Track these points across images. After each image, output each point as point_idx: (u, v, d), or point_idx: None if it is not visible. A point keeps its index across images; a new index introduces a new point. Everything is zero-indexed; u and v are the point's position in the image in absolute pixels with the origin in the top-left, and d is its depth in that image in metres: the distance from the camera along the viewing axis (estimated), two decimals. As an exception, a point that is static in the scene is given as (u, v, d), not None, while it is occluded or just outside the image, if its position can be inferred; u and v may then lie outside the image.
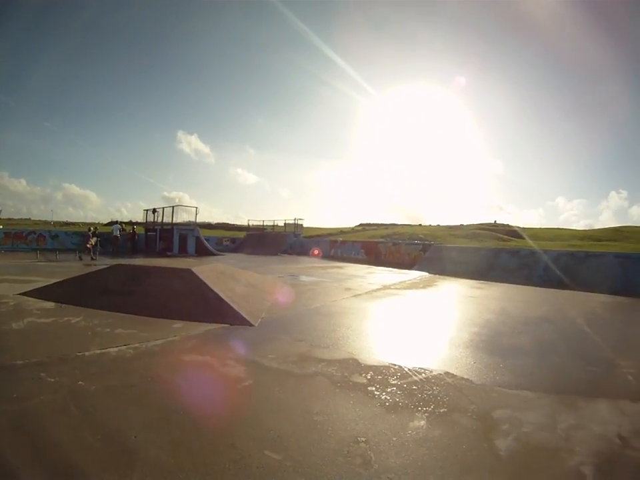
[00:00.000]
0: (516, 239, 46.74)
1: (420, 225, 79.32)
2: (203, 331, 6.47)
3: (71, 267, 15.60)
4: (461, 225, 67.20)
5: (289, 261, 25.03)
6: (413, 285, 13.89)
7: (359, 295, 10.91)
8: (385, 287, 12.85)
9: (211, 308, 7.40)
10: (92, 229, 27.37)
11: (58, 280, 9.85)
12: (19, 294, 8.89)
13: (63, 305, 7.88)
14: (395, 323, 7.94)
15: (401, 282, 14.61)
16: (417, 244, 27.41)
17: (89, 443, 2.98)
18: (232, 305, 7.50)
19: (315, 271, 17.46)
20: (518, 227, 65.35)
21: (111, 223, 28.57)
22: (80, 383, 4.09)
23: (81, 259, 20.48)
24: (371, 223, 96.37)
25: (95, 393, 3.87)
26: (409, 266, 21.20)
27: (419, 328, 7.44)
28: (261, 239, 37.02)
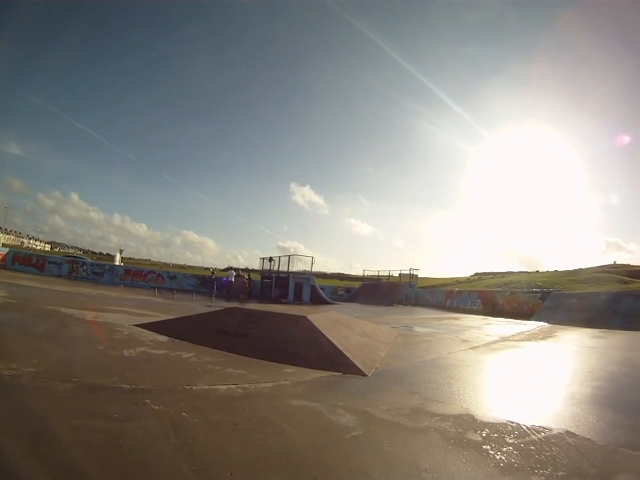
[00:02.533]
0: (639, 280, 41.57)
1: (537, 271, 74.23)
2: (314, 377, 6.15)
3: (186, 306, 16.37)
4: (579, 268, 61.30)
5: (403, 311, 24.26)
6: (532, 337, 12.88)
7: (476, 347, 10.15)
8: (503, 339, 11.96)
9: (324, 355, 7.11)
10: (213, 272, 28.85)
11: (173, 316, 10.25)
12: (135, 324, 9.28)
13: (176, 340, 8.02)
14: (513, 377, 7.26)
15: (519, 333, 13.65)
16: (535, 292, 25.62)
17: (183, 472, 2.81)
18: (346, 353, 7.14)
19: (430, 322, 16.63)
20: (641, 267, 58.38)
21: (228, 269, 29.90)
22: (184, 414, 3.96)
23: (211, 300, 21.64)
24: (487, 271, 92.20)
25: (197, 425, 3.70)
26: (528, 316, 20.08)
27: (538, 382, 6.82)
28: (376, 289, 36.58)
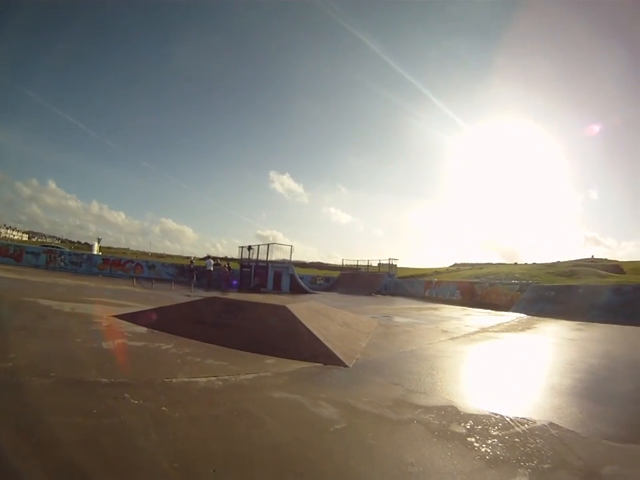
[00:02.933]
0: (616, 275, 42.38)
1: (515, 263, 75.32)
2: (295, 368, 6.13)
3: (165, 296, 16.25)
4: (557, 262, 62.42)
5: (383, 301, 24.51)
6: (511, 328, 13.08)
7: (456, 337, 10.27)
8: (483, 330, 12.13)
9: (304, 346, 7.10)
10: (192, 261, 28.63)
11: (152, 307, 10.16)
12: (113, 315, 9.20)
13: (155, 331, 7.94)
14: (494, 368, 7.31)
15: (498, 324, 13.86)
16: (514, 284, 26.12)
17: (164, 470, 2.76)
18: (326, 344, 7.15)
19: (410, 312, 16.76)
20: (618, 261, 60.55)
21: (206, 258, 29.76)
22: (164, 408, 3.89)
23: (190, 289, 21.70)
24: (466, 262, 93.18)
25: (178, 420, 3.64)
26: (507, 307, 20.49)
27: (519, 374, 6.87)
28: (355, 279, 36.90)
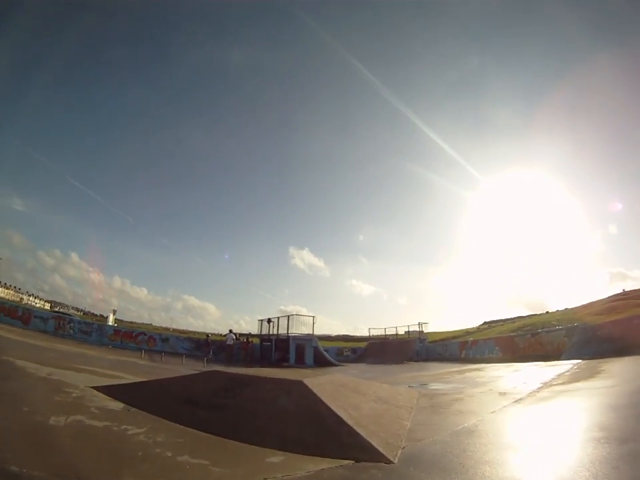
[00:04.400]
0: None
1: (547, 312, 71.64)
2: (312, 472, 4.18)
3: (171, 371, 14.55)
4: (591, 302, 58.72)
5: (417, 368, 21.98)
6: (577, 377, 10.54)
7: (521, 399, 8.01)
8: (546, 385, 9.67)
9: (326, 434, 5.22)
10: (209, 335, 27.19)
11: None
12: (92, 386, 7.82)
13: (132, 409, 6.46)
14: (600, 438, 4.64)
15: (559, 375, 11.33)
16: (558, 329, 23.23)
17: None
18: (357, 429, 5.20)
19: (451, 377, 14.31)
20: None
21: (228, 333, 28.10)
22: None
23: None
24: (495, 319, 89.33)
25: None
26: (555, 356, 17.84)
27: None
28: (384, 347, 34.37)
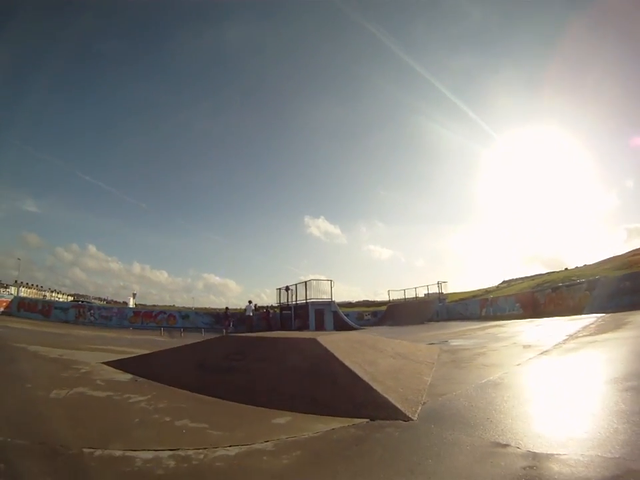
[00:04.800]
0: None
1: (566, 269, 70.12)
2: (320, 432, 3.85)
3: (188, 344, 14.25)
4: (611, 257, 57.32)
5: (437, 327, 21.47)
6: (603, 329, 10.06)
7: (547, 351, 7.61)
8: (572, 337, 9.22)
9: (339, 392, 4.89)
10: (228, 307, 26.99)
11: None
12: (103, 362, 7.66)
13: (140, 379, 6.31)
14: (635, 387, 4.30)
15: (584, 327, 10.86)
16: (579, 283, 22.36)
17: None
18: (373, 385, 4.84)
19: (473, 333, 13.86)
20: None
21: (248, 304, 27.86)
22: None
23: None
24: (514, 278, 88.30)
25: None
26: (577, 310, 17.14)
27: None
28: (404, 309, 33.81)
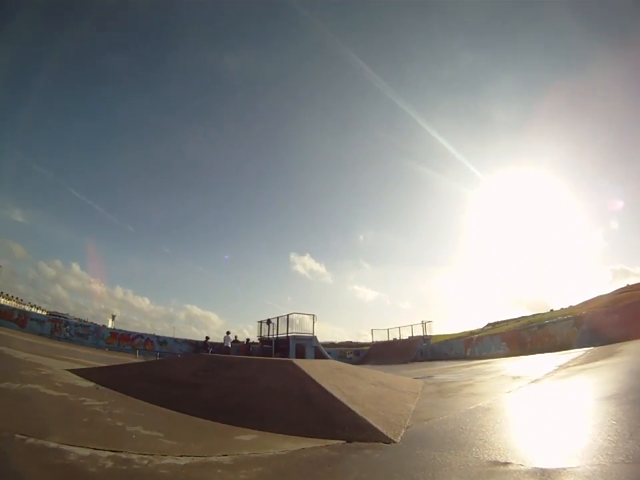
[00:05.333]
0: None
1: (551, 310, 70.20)
2: (288, 450, 3.43)
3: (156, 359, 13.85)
4: (594, 298, 57.29)
5: (421, 366, 20.95)
6: (594, 357, 9.61)
7: (537, 380, 7.26)
8: (562, 367, 8.82)
9: (313, 412, 4.52)
10: (208, 337, 26.48)
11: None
12: (67, 370, 7.42)
13: (102, 388, 6.06)
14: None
15: (574, 359, 10.37)
16: (566, 319, 21.48)
17: None
18: (351, 406, 4.47)
19: (458, 370, 13.25)
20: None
21: (226, 334, 27.31)
22: None
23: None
24: (499, 320, 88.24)
25: None
26: (565, 347, 16.33)
27: None
28: (388, 348, 33.32)
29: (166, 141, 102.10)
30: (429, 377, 11.04)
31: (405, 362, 26.32)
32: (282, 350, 25.88)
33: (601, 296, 57.16)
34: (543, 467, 2.48)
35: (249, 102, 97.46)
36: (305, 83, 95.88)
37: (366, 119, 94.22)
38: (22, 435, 2.93)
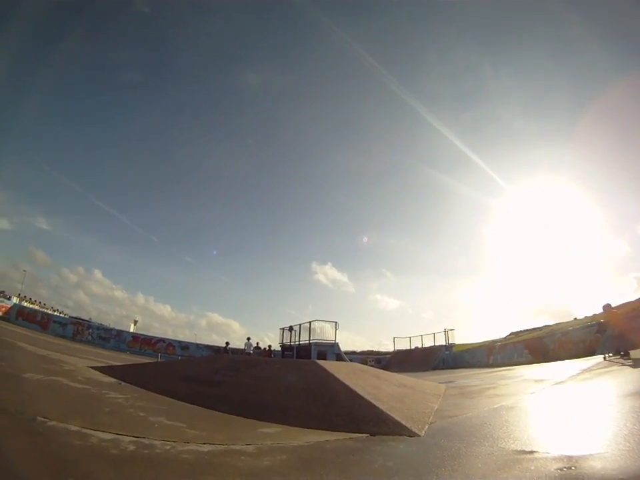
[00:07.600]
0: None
1: (575, 319, 68.68)
2: (310, 441, 3.45)
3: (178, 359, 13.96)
4: (619, 306, 55.55)
5: (443, 373, 20.75)
6: (619, 361, 9.39)
7: (561, 382, 7.21)
8: (586, 370, 8.60)
9: (337, 407, 4.53)
10: (228, 342, 26.66)
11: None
12: (90, 367, 7.61)
13: (124, 383, 6.16)
14: None
15: (597, 364, 10.05)
16: (590, 325, 20.56)
17: None
18: (375, 403, 4.48)
19: (480, 376, 13.11)
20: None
21: (247, 340, 27.38)
22: None
23: None
24: (522, 329, 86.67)
25: None
26: (589, 353, 15.73)
27: None
28: (410, 356, 32.95)
29: (188, 153, 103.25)
30: (451, 382, 11.08)
31: (427, 369, 26.01)
32: (303, 357, 25.82)
33: (625, 303, 55.94)
34: (569, 454, 2.48)
35: (269, 117, 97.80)
36: (325, 94, 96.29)
37: (387, 129, 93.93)
38: (44, 417, 3.02)
